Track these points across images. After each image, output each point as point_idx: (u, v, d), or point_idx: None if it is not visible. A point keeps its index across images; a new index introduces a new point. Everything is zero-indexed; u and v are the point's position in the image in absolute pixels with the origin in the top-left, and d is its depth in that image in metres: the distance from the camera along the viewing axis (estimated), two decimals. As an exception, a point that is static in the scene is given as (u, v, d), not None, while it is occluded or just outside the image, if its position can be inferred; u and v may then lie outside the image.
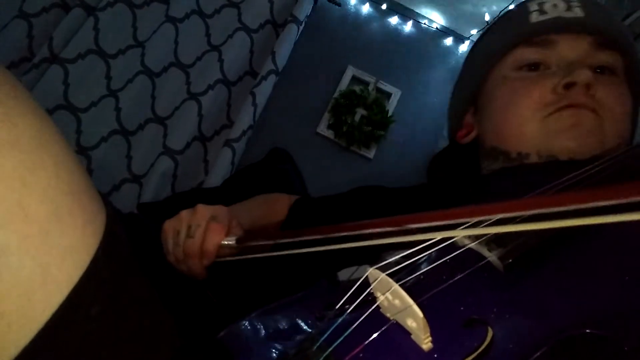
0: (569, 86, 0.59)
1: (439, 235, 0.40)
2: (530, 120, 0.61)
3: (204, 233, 0.57)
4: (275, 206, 0.81)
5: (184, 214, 0.62)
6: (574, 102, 0.59)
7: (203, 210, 0.60)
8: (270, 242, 0.54)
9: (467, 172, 0.76)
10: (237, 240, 0.57)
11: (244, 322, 0.48)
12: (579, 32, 0.63)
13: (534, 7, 0.67)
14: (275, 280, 0.62)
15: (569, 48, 0.62)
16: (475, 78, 0.73)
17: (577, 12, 0.63)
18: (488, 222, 0.39)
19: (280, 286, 0.53)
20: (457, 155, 0.78)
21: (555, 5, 0.65)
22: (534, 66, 0.64)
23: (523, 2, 0.71)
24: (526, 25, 0.66)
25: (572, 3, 0.64)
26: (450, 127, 0.81)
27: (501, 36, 0.70)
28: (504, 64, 0.68)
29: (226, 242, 0.57)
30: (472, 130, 0.75)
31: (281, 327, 0.46)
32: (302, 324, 0.45)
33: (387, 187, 0.80)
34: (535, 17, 0.65)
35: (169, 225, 0.63)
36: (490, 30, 0.76)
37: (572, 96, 0.59)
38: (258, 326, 0.47)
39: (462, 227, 0.40)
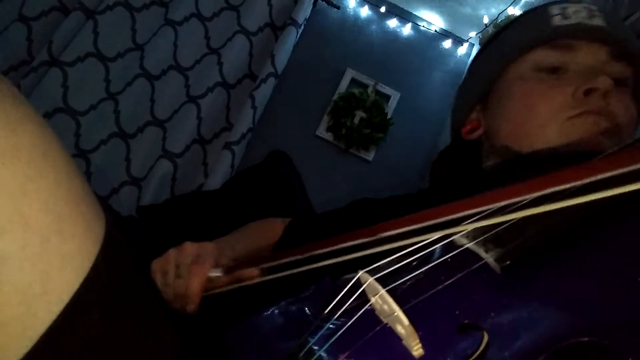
0: (588, 92, 0.59)
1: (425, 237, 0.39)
2: (551, 121, 0.61)
3: (188, 275, 0.57)
4: (269, 231, 0.81)
5: (172, 252, 0.61)
6: (593, 108, 0.59)
7: (190, 248, 0.60)
8: (259, 266, 0.55)
9: (468, 169, 0.76)
10: (226, 271, 0.57)
11: (246, 322, 0.49)
12: (600, 40, 0.63)
13: (556, 10, 0.67)
14: (276, 284, 0.62)
15: (589, 55, 0.63)
16: (489, 74, 0.72)
17: (599, 21, 0.64)
18: (490, 213, 0.38)
19: (281, 288, 0.53)
20: (461, 152, 0.77)
21: (577, 12, 0.65)
22: (552, 70, 0.64)
23: (545, 4, 0.71)
24: (549, 27, 0.66)
25: (594, 12, 0.65)
26: (454, 122, 0.81)
27: (521, 35, 0.69)
28: (521, 64, 0.68)
29: (213, 275, 0.57)
30: (477, 127, 0.75)
31: (286, 324, 0.46)
32: (309, 318, 0.45)
33: (379, 198, 0.80)
34: (558, 21, 0.65)
35: (156, 266, 0.62)
36: (508, 28, 0.76)
37: (591, 102, 0.59)
38: (262, 325, 0.47)
39: (465, 223, 0.39)
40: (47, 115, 1.49)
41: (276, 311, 0.48)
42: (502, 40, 0.74)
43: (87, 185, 0.39)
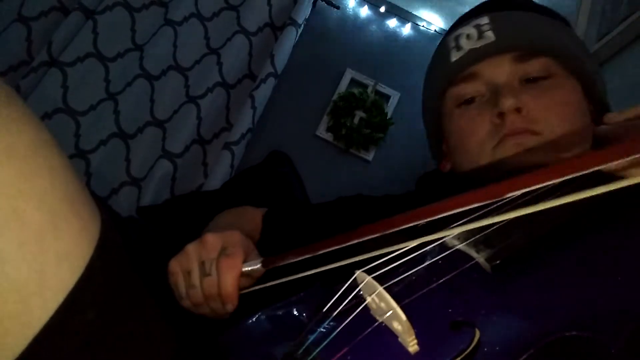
0: (501, 115, 0.60)
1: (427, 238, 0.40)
2: (481, 154, 0.62)
3: (218, 272, 0.50)
4: (252, 221, 0.78)
5: (191, 249, 0.53)
6: (510, 130, 0.59)
7: (212, 240, 0.53)
8: (307, 256, 0.47)
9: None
10: (263, 263, 0.50)
11: (243, 324, 0.49)
12: (496, 54, 0.63)
13: (452, 44, 0.68)
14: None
15: (492, 73, 0.63)
16: (432, 115, 0.74)
17: (489, 36, 0.64)
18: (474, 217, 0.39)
19: (278, 289, 0.52)
20: (443, 180, 0.79)
21: (468, 36, 0.66)
22: (470, 101, 0.65)
23: (444, 38, 0.74)
24: (448, 65, 0.68)
25: (482, 28, 0.65)
26: (432, 154, 0.82)
27: (435, 78, 0.72)
28: (446, 102, 0.70)
29: (249, 269, 0.50)
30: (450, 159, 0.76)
31: (281, 326, 0.47)
32: (302, 321, 0.45)
33: (372, 195, 0.81)
34: (454, 55, 0.67)
35: (176, 266, 0.54)
36: (428, 71, 0.78)
37: (508, 123, 0.59)
38: (257, 328, 0.48)
39: (454, 226, 0.40)
40: (47, 116, 1.49)
41: (263, 317, 0.48)
42: (429, 83, 0.77)
43: (83, 185, 0.39)
